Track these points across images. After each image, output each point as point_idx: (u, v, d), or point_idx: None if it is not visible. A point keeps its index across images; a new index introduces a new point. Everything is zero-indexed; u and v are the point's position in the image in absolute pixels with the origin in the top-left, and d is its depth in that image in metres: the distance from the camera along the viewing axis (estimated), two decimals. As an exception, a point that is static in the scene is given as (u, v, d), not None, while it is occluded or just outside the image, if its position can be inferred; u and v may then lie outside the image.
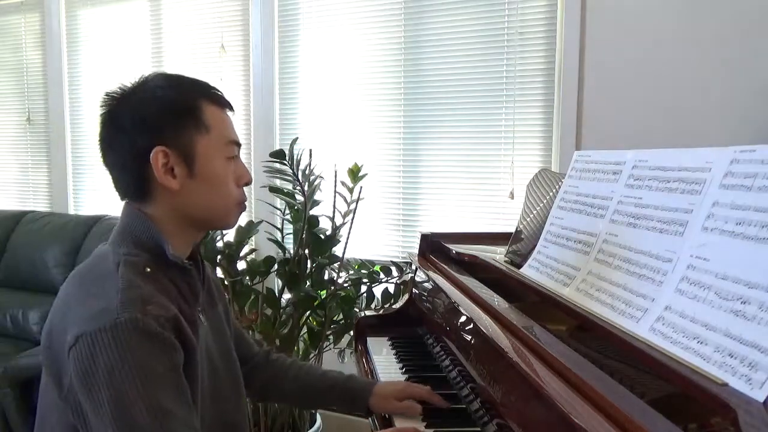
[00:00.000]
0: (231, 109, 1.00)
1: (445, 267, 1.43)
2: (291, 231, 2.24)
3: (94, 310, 0.81)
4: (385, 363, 1.39)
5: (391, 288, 2.11)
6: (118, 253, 0.90)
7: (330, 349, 2.21)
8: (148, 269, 0.88)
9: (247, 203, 1.03)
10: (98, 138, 0.95)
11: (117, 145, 0.92)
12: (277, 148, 2.39)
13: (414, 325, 1.55)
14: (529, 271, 1.19)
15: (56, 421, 0.88)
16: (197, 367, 0.89)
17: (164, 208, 0.93)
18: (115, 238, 0.93)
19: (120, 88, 0.94)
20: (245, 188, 1.01)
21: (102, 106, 0.94)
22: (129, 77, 0.97)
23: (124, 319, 0.78)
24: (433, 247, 1.62)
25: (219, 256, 2.13)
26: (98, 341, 0.78)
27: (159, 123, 0.90)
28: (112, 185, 0.96)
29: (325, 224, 2.14)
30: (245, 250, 2.21)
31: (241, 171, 0.99)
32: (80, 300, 0.85)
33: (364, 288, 2.14)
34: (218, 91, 0.98)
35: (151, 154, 0.89)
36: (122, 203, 0.97)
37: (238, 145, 0.99)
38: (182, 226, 0.95)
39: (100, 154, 0.96)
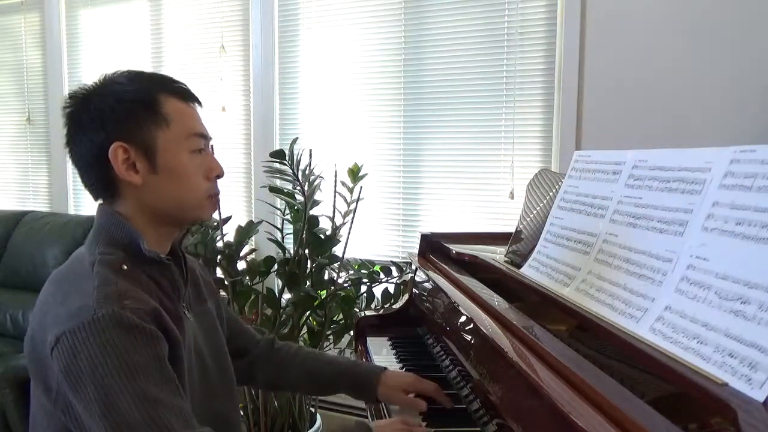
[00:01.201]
0: (197, 101, 0.99)
1: (445, 267, 1.43)
2: (291, 231, 2.24)
3: (72, 309, 0.81)
4: (385, 363, 1.38)
5: (391, 288, 2.12)
6: (93, 253, 0.89)
7: (330, 349, 2.21)
8: (125, 267, 0.88)
9: (221, 196, 1.01)
10: (65, 140, 0.95)
11: (79, 145, 0.92)
12: (277, 148, 2.39)
13: (414, 325, 1.55)
14: (529, 271, 1.19)
15: (46, 425, 0.88)
16: (183, 360, 0.89)
17: (133, 204, 0.93)
18: (90, 239, 0.93)
19: (81, 89, 0.94)
20: (223, 193, 1.00)
21: (64, 108, 0.94)
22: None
23: (102, 314, 0.78)
24: (433, 247, 1.62)
25: (219, 256, 2.13)
26: (78, 338, 0.78)
27: (116, 119, 0.90)
28: (83, 186, 0.96)
29: (325, 224, 2.14)
30: (245, 250, 2.21)
31: (210, 164, 0.98)
32: (58, 301, 0.85)
33: (364, 288, 2.14)
34: (181, 84, 0.98)
35: (109, 151, 0.89)
36: (97, 205, 0.97)
37: (206, 137, 0.98)
38: (154, 222, 0.95)
39: (68, 156, 0.96)
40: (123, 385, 0.77)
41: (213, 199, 0.99)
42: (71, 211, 3.18)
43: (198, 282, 1.09)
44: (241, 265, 2.20)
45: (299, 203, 2.09)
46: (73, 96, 0.94)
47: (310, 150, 2.08)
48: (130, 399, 0.76)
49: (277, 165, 2.00)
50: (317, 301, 2.11)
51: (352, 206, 2.13)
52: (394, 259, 2.27)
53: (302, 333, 2.18)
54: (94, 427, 0.79)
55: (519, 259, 1.31)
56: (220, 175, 0.99)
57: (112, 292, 0.82)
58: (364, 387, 1.17)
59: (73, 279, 0.88)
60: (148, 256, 0.91)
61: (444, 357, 1.29)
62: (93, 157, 0.91)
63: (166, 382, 0.81)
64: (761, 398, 0.61)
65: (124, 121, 0.90)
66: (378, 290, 2.15)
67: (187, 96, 0.97)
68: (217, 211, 1.09)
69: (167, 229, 0.98)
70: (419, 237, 1.66)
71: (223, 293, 2.14)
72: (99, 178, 0.93)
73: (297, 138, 2.13)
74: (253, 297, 2.18)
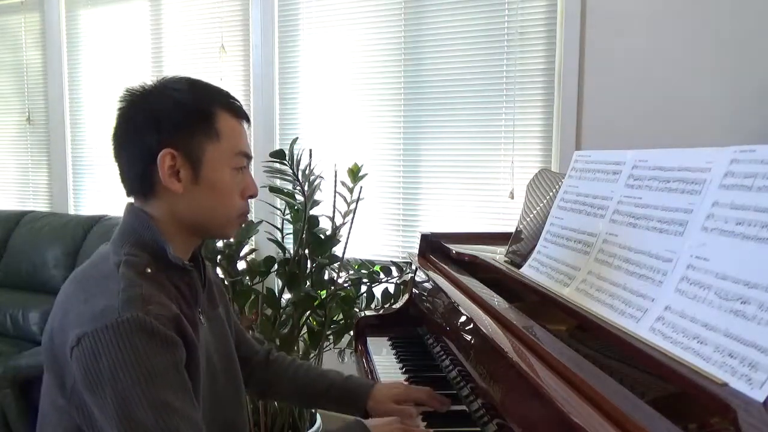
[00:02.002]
0: (248, 120, 1.01)
1: (445, 267, 1.43)
2: (291, 231, 2.24)
3: (95, 309, 0.81)
4: (385, 363, 1.39)
5: (391, 288, 2.11)
6: (119, 253, 0.90)
7: (330, 349, 2.21)
8: (149, 270, 0.88)
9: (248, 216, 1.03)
10: (112, 132, 0.96)
11: (128, 142, 0.93)
12: (277, 148, 2.39)
13: (414, 325, 1.55)
14: (529, 271, 1.19)
15: (57, 422, 0.88)
16: (199, 366, 0.89)
17: (166, 209, 0.94)
18: (116, 238, 0.94)
19: (140, 86, 0.95)
20: (250, 201, 1.01)
21: (120, 101, 0.94)
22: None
23: (126, 317, 0.79)
24: (433, 247, 1.62)
25: (219, 256, 2.13)
26: (101, 340, 0.78)
27: (171, 125, 0.91)
28: (119, 179, 0.97)
29: (325, 224, 2.14)
30: (245, 250, 2.21)
31: (247, 183, 0.99)
32: (81, 300, 0.85)
33: (364, 288, 2.14)
34: (236, 100, 0.99)
35: (158, 155, 0.90)
36: (125, 204, 0.97)
37: (249, 157, 0.99)
38: (182, 230, 0.95)
39: (112, 148, 0.96)
40: (141, 390, 0.77)
41: (242, 218, 1.00)
42: (71, 211, 3.18)
43: (211, 287, 1.10)
44: (241, 265, 2.20)
45: (299, 203, 2.09)
46: (130, 92, 0.94)
47: (310, 150, 2.08)
48: (147, 405, 0.77)
49: (277, 165, 2.00)
50: (317, 301, 2.11)
51: (352, 206, 2.13)
52: (394, 259, 2.27)
53: (302, 333, 2.18)
54: (107, 429, 0.79)
55: (519, 259, 1.31)
56: (253, 195, 1.00)
57: (137, 296, 0.82)
58: (354, 402, 1.17)
59: (98, 278, 0.88)
60: (173, 262, 0.92)
61: (444, 357, 1.29)
62: (140, 157, 0.91)
63: (183, 390, 0.82)
64: (761, 398, 0.61)
65: (178, 128, 0.91)
66: (378, 290, 2.15)
67: (240, 114, 0.98)
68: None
69: (191, 239, 0.99)
70: (419, 237, 1.66)
71: (223, 293, 2.14)
72: (139, 178, 0.93)
73: (297, 138, 2.13)
74: (253, 297, 2.18)
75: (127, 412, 0.76)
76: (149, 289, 0.85)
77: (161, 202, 0.93)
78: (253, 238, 2.39)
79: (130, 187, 0.96)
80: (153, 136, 0.90)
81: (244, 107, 1.03)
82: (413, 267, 1.68)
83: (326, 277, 2.15)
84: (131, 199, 0.97)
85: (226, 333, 1.10)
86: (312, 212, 2.08)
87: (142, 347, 0.78)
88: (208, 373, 0.98)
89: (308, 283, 2.10)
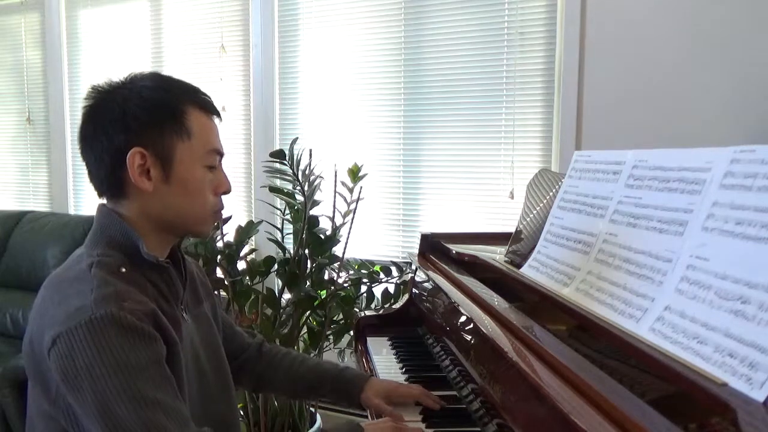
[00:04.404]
0: (218, 116, 0.98)
1: (445, 267, 1.43)
2: (291, 231, 2.24)
3: (69, 309, 0.80)
4: (385, 363, 1.39)
5: (391, 288, 2.11)
6: (92, 255, 0.89)
7: (330, 349, 2.21)
8: (123, 269, 0.87)
9: (223, 212, 1.01)
10: (78, 130, 0.94)
11: (95, 141, 0.91)
12: (277, 148, 2.39)
13: (414, 325, 1.55)
14: (529, 271, 1.19)
15: (44, 429, 0.87)
16: (181, 362, 0.89)
17: (137, 208, 0.92)
18: (89, 240, 0.93)
19: (107, 83, 0.93)
20: (224, 197, 1.00)
21: (86, 99, 0.93)
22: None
23: (100, 314, 0.78)
24: (433, 247, 1.62)
25: (219, 256, 2.13)
26: (75, 339, 0.77)
27: (140, 123, 0.89)
28: (88, 179, 0.95)
29: (325, 224, 2.14)
30: (245, 250, 2.21)
31: (219, 180, 0.97)
32: (55, 302, 0.84)
33: (364, 288, 2.14)
34: (207, 96, 0.97)
35: (127, 154, 0.88)
36: (98, 205, 0.96)
37: (221, 154, 0.97)
38: (155, 228, 0.94)
39: (79, 147, 0.94)
40: (120, 385, 0.76)
41: (216, 215, 0.99)
42: (71, 211, 3.18)
43: (195, 283, 1.08)
44: (241, 265, 2.20)
45: (299, 203, 2.09)
46: (97, 90, 0.92)
47: (310, 150, 2.08)
48: (126, 400, 0.76)
49: (277, 165, 2.00)
50: (317, 301, 2.11)
51: (352, 206, 2.13)
52: (394, 259, 2.27)
53: (302, 333, 2.18)
54: (91, 429, 0.79)
55: (519, 259, 1.31)
56: (226, 192, 0.99)
57: (111, 294, 0.81)
58: (348, 394, 1.16)
59: (72, 280, 0.87)
60: (147, 260, 0.91)
61: (444, 357, 1.29)
62: (109, 156, 0.90)
63: (164, 383, 0.81)
64: (761, 398, 0.61)
65: (149, 127, 0.89)
66: (378, 290, 2.15)
67: (211, 110, 0.97)
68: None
69: (166, 237, 0.97)
70: (419, 237, 1.66)
71: (223, 293, 2.14)
72: (109, 177, 0.91)
73: (297, 138, 2.13)
74: (253, 297, 2.18)
75: (106, 408, 0.76)
76: (123, 286, 0.84)
77: (132, 202, 0.92)
78: (253, 238, 2.39)
79: (100, 186, 0.94)
80: (121, 134, 0.89)
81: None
82: (413, 267, 1.68)
83: (326, 277, 2.15)
84: (103, 201, 0.96)
85: (213, 329, 1.09)
86: (312, 212, 2.08)
87: (117, 342, 0.78)
88: (196, 369, 0.97)
89: (308, 283, 2.10)
